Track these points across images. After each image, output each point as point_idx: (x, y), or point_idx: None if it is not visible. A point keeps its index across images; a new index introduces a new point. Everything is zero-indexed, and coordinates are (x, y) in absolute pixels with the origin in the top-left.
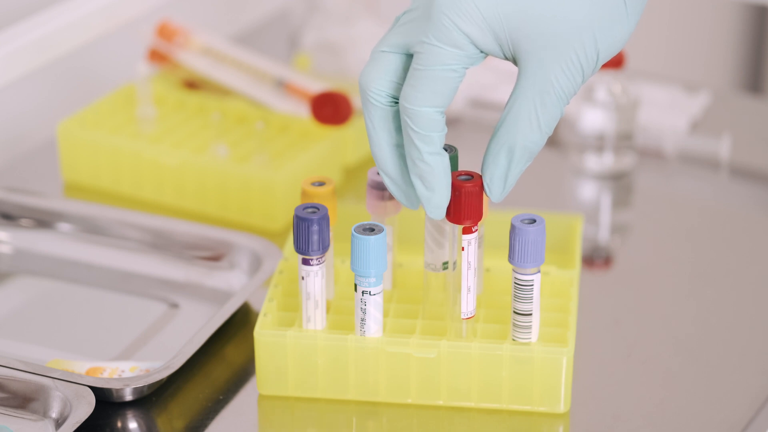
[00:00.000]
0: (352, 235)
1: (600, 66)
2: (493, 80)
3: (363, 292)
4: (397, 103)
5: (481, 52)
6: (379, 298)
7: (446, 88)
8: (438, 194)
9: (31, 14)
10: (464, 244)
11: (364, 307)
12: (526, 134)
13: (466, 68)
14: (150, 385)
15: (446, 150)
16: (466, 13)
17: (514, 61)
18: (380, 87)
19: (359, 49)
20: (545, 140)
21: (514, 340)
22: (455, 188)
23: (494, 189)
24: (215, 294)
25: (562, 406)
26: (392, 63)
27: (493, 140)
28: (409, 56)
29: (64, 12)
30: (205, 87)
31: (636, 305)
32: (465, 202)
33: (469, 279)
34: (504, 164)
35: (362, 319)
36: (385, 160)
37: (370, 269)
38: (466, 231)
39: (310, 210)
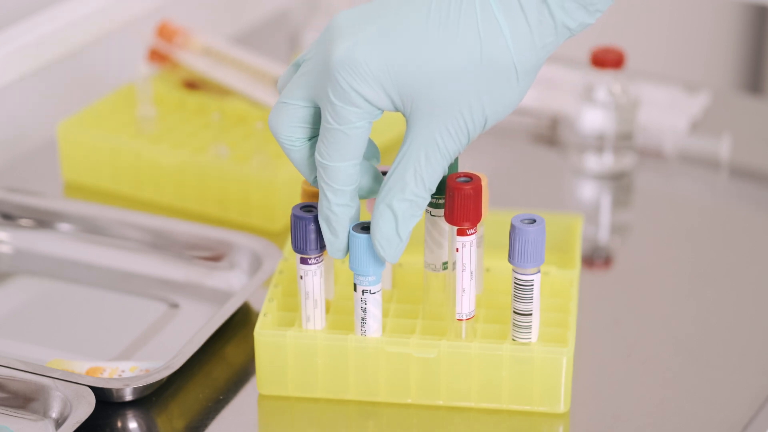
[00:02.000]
0: (351, 234)
1: (488, 128)
2: None
3: (363, 291)
4: (311, 139)
5: (378, 109)
6: (378, 297)
7: (357, 143)
8: (341, 240)
9: (31, 14)
10: (458, 245)
11: (364, 306)
12: (411, 189)
13: (370, 122)
14: (150, 385)
15: None
16: (359, 74)
17: (406, 117)
18: (290, 134)
19: None
20: (429, 196)
21: (514, 340)
22: (452, 190)
23: (386, 248)
24: (215, 294)
25: (562, 406)
26: (298, 113)
27: (379, 197)
28: (315, 107)
29: (64, 12)
30: (205, 87)
31: (636, 305)
32: (460, 205)
33: (463, 281)
34: (392, 220)
35: (363, 318)
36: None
37: (369, 268)
38: (461, 233)
39: (307, 209)
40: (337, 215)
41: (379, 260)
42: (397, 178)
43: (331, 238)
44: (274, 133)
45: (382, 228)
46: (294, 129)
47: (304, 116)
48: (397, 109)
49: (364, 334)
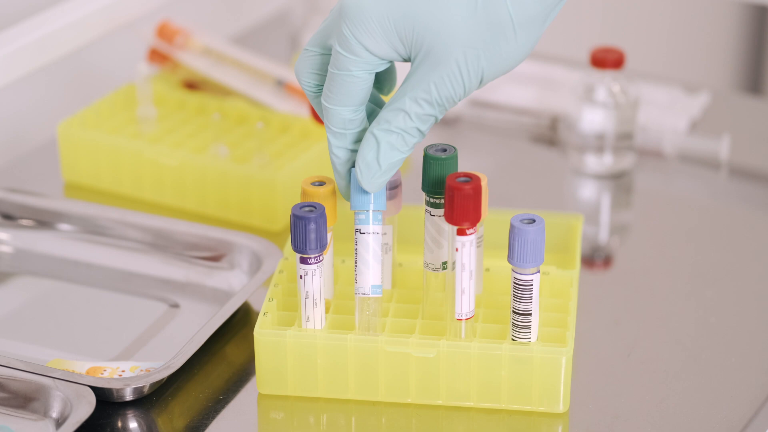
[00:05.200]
0: (354, 173)
1: (487, 82)
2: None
3: (374, 232)
4: None
5: (381, 59)
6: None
7: (355, 91)
8: (345, 181)
9: (31, 14)
10: (458, 245)
11: (374, 246)
12: (397, 123)
13: (370, 73)
14: (150, 385)
15: (445, 150)
16: (361, 23)
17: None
18: (309, 80)
19: None
20: (418, 134)
21: (513, 339)
22: (452, 190)
23: (365, 173)
24: (215, 294)
25: (561, 406)
26: (317, 60)
27: (371, 124)
28: (330, 54)
29: (65, 12)
30: (205, 87)
31: (636, 305)
32: (460, 204)
33: (462, 280)
34: (374, 147)
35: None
36: None
37: (369, 202)
38: (460, 233)
39: (307, 209)
40: (338, 157)
41: (379, 195)
42: (387, 111)
43: (337, 177)
44: (297, 78)
45: (364, 153)
46: (311, 75)
47: (320, 64)
48: (402, 58)
49: (374, 280)
